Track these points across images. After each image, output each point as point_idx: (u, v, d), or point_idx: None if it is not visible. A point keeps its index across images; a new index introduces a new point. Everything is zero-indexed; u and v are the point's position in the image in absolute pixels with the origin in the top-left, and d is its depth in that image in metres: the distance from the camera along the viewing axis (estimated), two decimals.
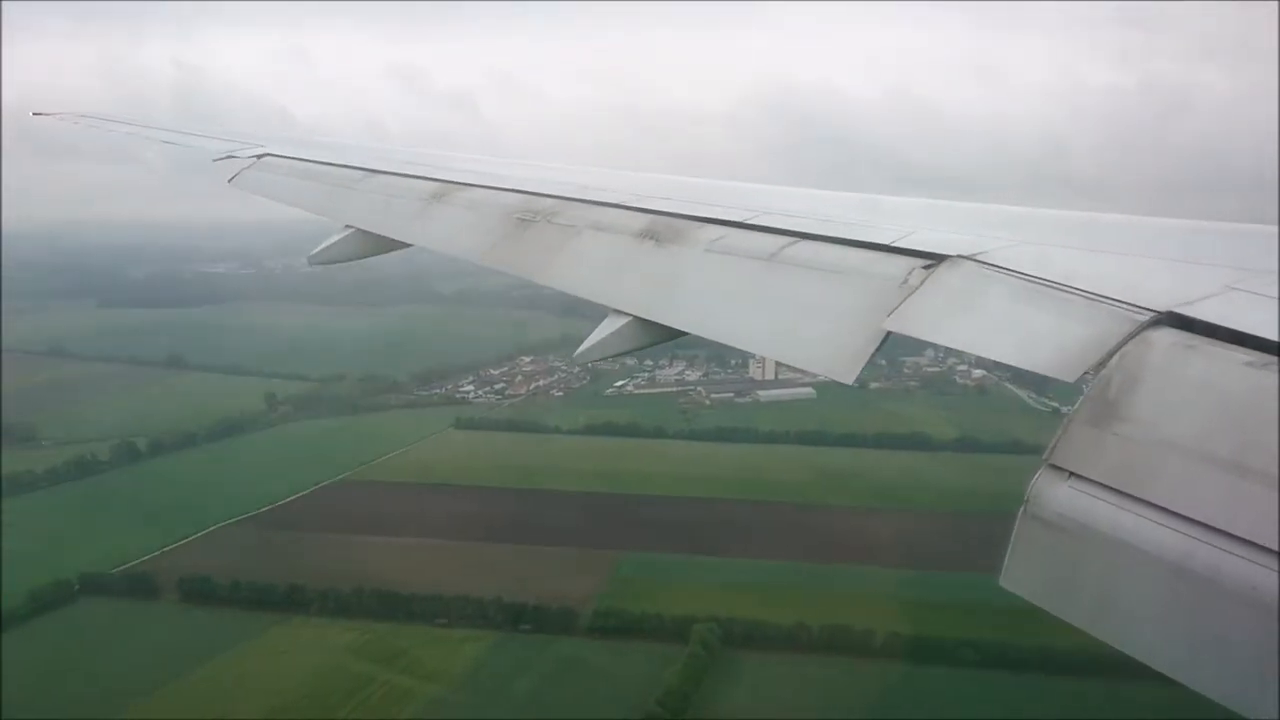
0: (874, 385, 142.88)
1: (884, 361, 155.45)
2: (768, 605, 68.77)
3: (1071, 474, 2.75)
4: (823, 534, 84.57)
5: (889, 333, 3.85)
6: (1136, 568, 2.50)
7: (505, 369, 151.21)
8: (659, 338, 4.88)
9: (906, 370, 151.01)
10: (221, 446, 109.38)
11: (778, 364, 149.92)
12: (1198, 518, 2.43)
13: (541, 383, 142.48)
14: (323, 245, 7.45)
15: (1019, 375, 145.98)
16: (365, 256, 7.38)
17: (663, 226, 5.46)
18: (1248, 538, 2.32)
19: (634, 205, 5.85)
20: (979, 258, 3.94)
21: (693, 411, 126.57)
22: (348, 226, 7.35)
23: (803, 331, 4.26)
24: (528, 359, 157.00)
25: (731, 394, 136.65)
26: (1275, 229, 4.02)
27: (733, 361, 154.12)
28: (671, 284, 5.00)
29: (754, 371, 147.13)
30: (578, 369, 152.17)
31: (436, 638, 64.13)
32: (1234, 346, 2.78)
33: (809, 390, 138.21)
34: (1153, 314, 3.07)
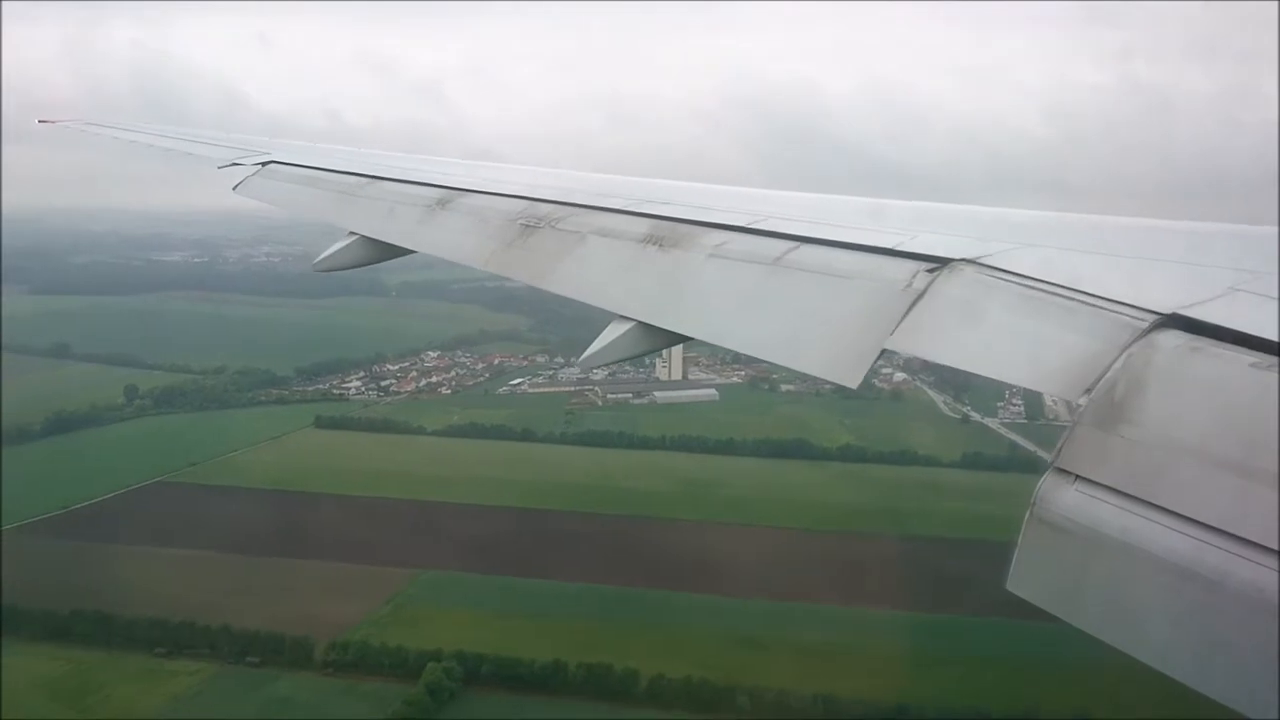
0: (785, 388, 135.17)
1: None
2: (546, 639, 61.29)
3: (1078, 477, 2.72)
4: (657, 552, 76.96)
5: (884, 350, 3.81)
6: (1144, 571, 2.49)
7: (407, 363, 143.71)
8: (663, 343, 4.82)
9: None
10: (54, 442, 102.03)
11: (685, 364, 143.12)
12: (1205, 521, 2.42)
13: (434, 379, 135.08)
14: (327, 253, 7.39)
15: (940, 379, 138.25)
16: (369, 263, 7.28)
17: (666, 231, 5.39)
18: (1257, 541, 2.31)
19: (637, 210, 5.81)
20: (982, 261, 3.91)
21: (578, 413, 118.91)
22: (352, 233, 7.24)
23: (806, 336, 4.24)
24: (434, 354, 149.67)
25: (630, 395, 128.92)
26: (1279, 230, 3.95)
27: (646, 360, 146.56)
28: (675, 289, 4.96)
29: (660, 372, 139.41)
30: (480, 365, 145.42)
31: (148, 670, 56.82)
32: (1239, 348, 2.77)
33: (712, 392, 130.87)
34: (1157, 316, 3.05)
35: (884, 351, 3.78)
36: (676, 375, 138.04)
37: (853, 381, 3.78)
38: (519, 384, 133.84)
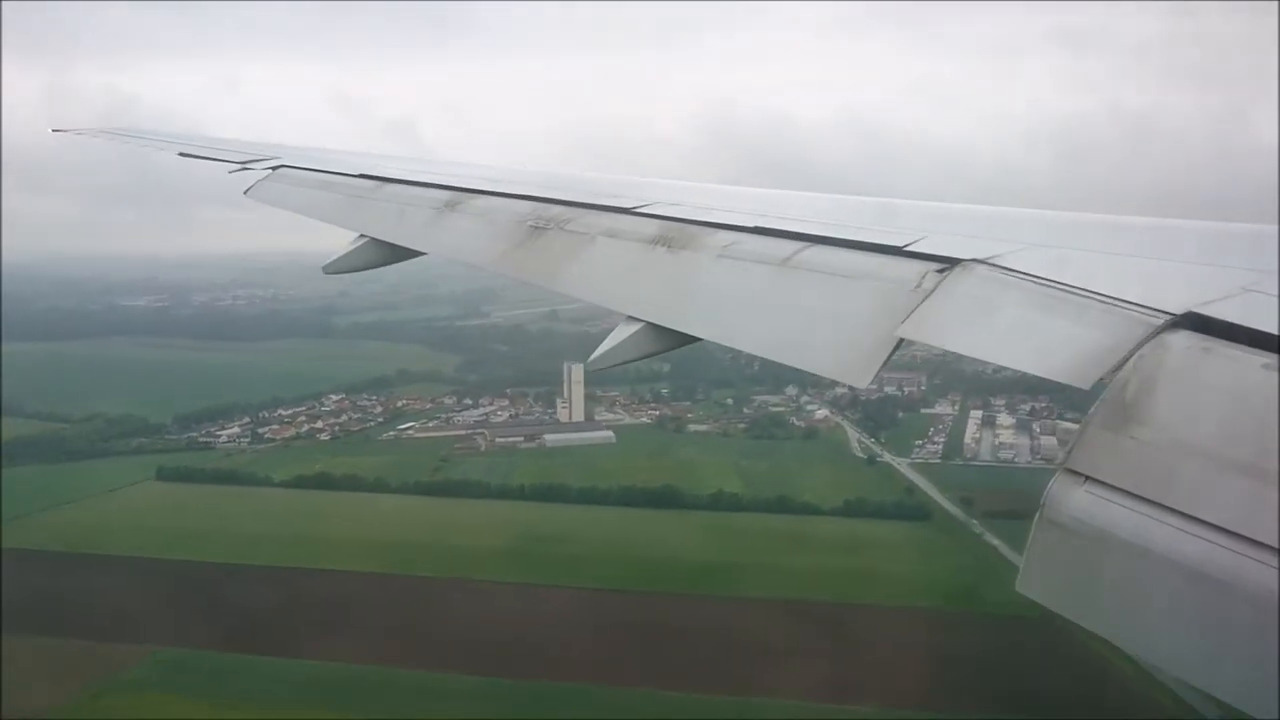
0: (693, 428, 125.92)
1: (730, 400, 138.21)
2: None
3: (1088, 478, 2.72)
4: (447, 622, 67.63)
5: (901, 340, 3.79)
6: (1154, 573, 2.51)
7: (304, 407, 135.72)
8: (671, 344, 4.80)
9: (747, 410, 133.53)
10: None
11: (589, 404, 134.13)
12: (1217, 522, 2.43)
13: (318, 425, 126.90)
14: (337, 255, 7.46)
15: (865, 419, 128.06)
16: (378, 265, 7.41)
17: (675, 232, 5.39)
18: (1268, 543, 2.32)
19: (646, 211, 5.81)
20: (993, 261, 3.91)
21: (455, 460, 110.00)
22: (361, 236, 7.35)
23: (815, 336, 4.25)
24: (336, 396, 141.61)
25: (520, 438, 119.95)
26: None
27: (560, 401, 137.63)
28: (684, 290, 4.98)
29: (561, 413, 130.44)
30: (380, 408, 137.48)
31: None
32: (1252, 349, 2.76)
33: (608, 434, 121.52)
34: (1169, 316, 3.04)
35: (898, 344, 3.72)
36: (579, 416, 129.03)
37: (862, 381, 3.78)
38: (407, 428, 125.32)
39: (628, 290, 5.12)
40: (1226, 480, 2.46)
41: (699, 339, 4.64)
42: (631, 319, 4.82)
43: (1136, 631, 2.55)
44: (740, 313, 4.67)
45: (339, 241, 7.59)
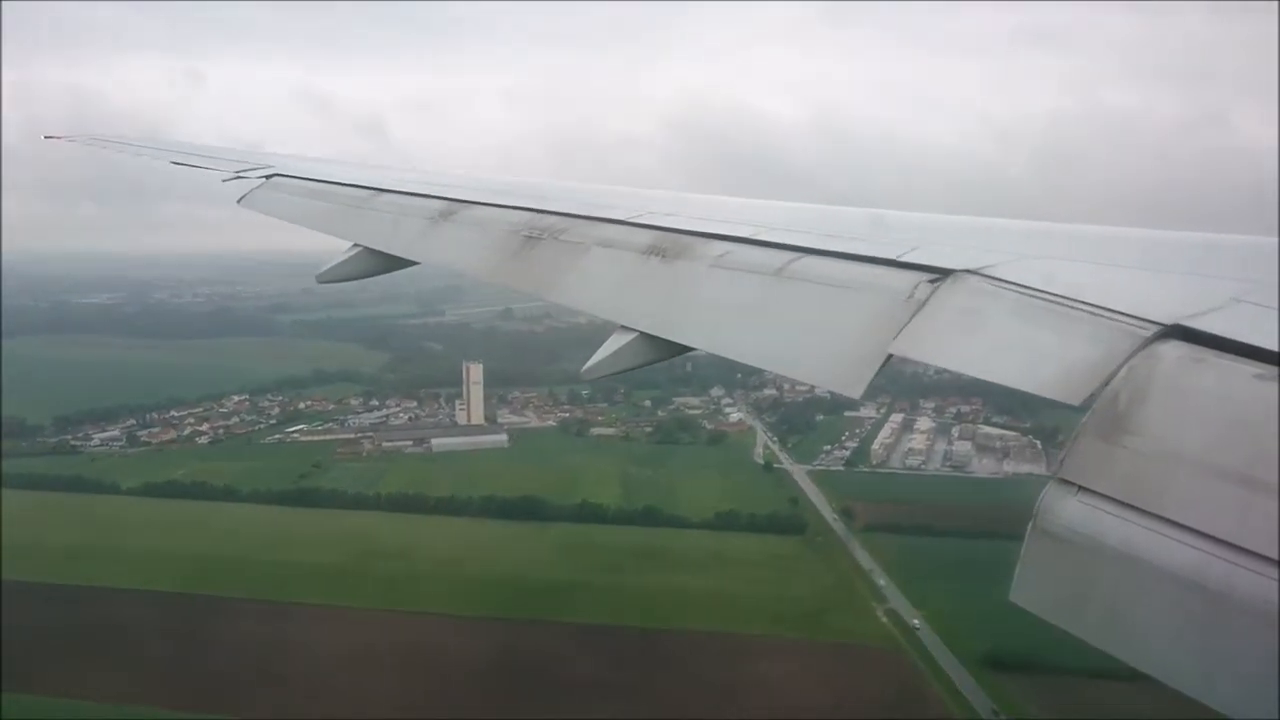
0: (597, 431, 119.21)
1: (649, 402, 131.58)
2: None
3: (1080, 488, 2.73)
4: (238, 654, 61.02)
5: (890, 355, 3.81)
6: (1147, 582, 2.53)
7: (200, 409, 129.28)
8: (665, 353, 4.79)
9: (661, 413, 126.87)
10: None
11: (492, 406, 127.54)
12: (1208, 531, 2.45)
13: (204, 427, 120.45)
14: (331, 264, 7.37)
15: (780, 421, 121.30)
16: (372, 275, 7.34)
17: (669, 243, 5.37)
18: (1260, 552, 2.34)
19: (640, 222, 5.74)
20: (984, 272, 3.92)
21: (329, 466, 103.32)
22: (355, 245, 7.28)
23: (808, 346, 4.26)
24: (238, 397, 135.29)
25: (409, 442, 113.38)
26: None
27: (459, 403, 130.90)
28: (677, 300, 4.96)
29: (460, 416, 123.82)
30: (278, 409, 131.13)
31: None
32: (1242, 359, 2.77)
33: (501, 439, 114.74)
34: (1160, 327, 3.06)
35: (888, 359, 3.75)
36: (478, 418, 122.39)
37: (855, 391, 3.76)
38: (295, 431, 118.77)
39: (621, 300, 5.12)
40: (1219, 489, 2.45)
41: (692, 349, 4.67)
42: (625, 329, 4.80)
43: (1130, 641, 2.52)
44: (733, 323, 4.66)
45: (333, 242, 7.47)
